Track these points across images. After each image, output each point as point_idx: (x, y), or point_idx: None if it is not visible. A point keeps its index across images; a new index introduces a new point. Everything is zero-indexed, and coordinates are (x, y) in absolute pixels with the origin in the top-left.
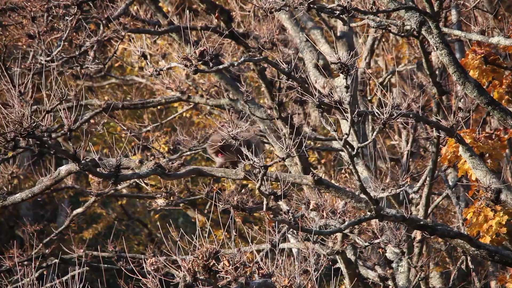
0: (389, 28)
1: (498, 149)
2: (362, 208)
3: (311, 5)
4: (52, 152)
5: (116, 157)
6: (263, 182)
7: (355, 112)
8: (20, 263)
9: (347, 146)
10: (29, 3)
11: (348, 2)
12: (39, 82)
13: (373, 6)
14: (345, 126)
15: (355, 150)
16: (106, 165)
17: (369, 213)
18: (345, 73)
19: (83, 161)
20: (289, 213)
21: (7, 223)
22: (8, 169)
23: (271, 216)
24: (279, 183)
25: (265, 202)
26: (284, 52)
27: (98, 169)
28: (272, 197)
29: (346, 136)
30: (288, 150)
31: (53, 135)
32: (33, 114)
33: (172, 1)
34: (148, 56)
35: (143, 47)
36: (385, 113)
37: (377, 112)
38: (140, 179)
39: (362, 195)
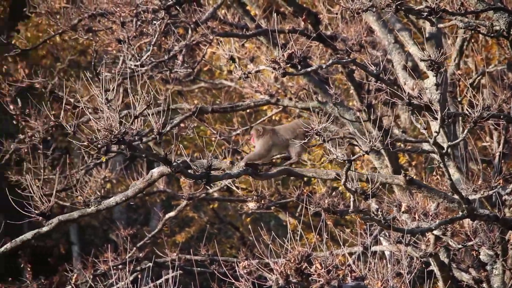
0: (478, 29)
1: None
2: (455, 209)
3: (399, 7)
4: (143, 156)
5: (207, 158)
6: (348, 178)
7: (445, 111)
8: (114, 267)
9: (437, 145)
10: (118, 9)
11: (436, 4)
12: (128, 87)
13: (461, 7)
14: (435, 127)
15: (446, 149)
16: (198, 166)
17: (461, 214)
18: (435, 70)
19: (174, 163)
20: (379, 212)
21: (101, 227)
22: (101, 173)
23: (361, 216)
24: (369, 185)
25: (352, 199)
26: (372, 54)
27: (189, 171)
28: (362, 196)
29: (436, 134)
30: (371, 143)
31: (144, 139)
32: (124, 118)
33: (260, 4)
34: (237, 59)
35: (231, 50)
36: (476, 112)
37: (467, 111)
38: (231, 183)
39: (455, 196)
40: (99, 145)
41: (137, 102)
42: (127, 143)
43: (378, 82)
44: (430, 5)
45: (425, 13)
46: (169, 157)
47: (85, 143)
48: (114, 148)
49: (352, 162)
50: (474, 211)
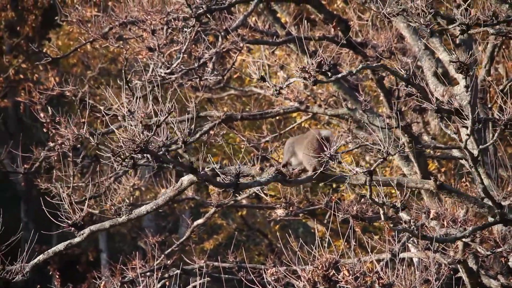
0: (509, 35)
1: None
2: (485, 214)
3: (436, 24)
4: (170, 165)
5: (236, 166)
6: (376, 188)
7: (475, 113)
8: (142, 274)
9: (468, 149)
10: (149, 17)
11: (469, 18)
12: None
13: (493, 17)
14: (465, 133)
15: (477, 153)
16: (226, 174)
17: (492, 219)
18: (464, 73)
19: (202, 172)
20: (410, 222)
21: (129, 234)
22: (130, 181)
23: (391, 225)
24: (398, 194)
25: (381, 212)
26: (402, 60)
27: (218, 179)
28: (391, 208)
29: (468, 137)
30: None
31: (174, 146)
32: (150, 126)
33: (290, 11)
34: (267, 68)
35: (261, 58)
36: (506, 114)
37: (497, 115)
38: (260, 190)
39: (485, 201)
40: (123, 156)
41: (160, 111)
42: (151, 152)
43: (408, 86)
44: (464, 21)
45: (459, 32)
46: (196, 165)
47: (109, 154)
48: (142, 161)
49: (373, 174)
50: (506, 216)
